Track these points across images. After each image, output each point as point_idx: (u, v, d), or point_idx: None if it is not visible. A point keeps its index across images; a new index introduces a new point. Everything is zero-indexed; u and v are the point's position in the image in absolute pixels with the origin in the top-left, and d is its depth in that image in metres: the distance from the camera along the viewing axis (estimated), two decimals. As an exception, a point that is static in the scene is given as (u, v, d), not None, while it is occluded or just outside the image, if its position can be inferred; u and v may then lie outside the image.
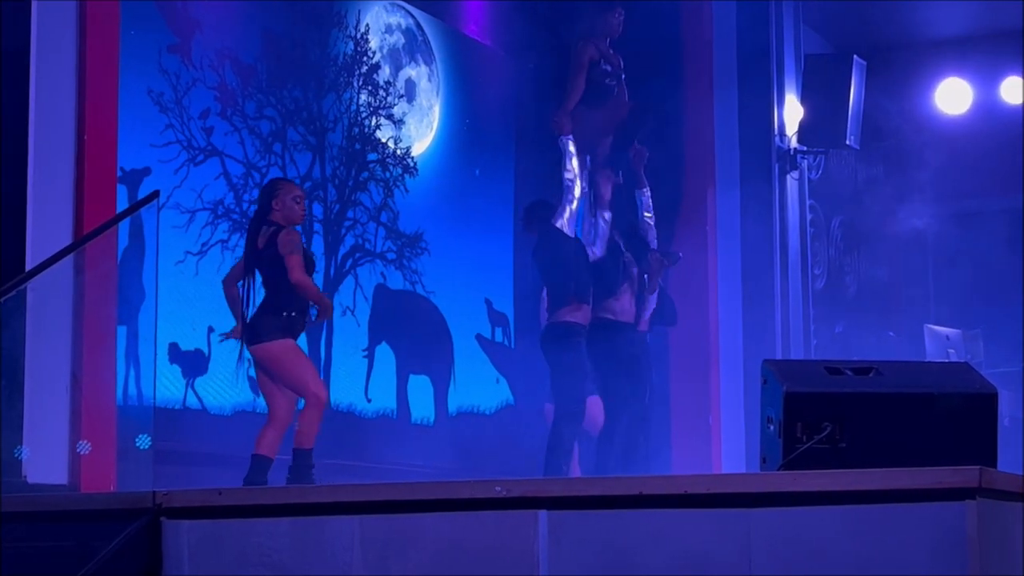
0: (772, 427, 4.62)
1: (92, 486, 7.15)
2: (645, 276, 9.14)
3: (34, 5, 7.29)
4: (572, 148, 8.78)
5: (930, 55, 13.33)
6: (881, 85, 12.69)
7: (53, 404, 7.18)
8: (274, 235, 7.46)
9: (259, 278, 7.54)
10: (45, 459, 7.07)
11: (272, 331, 7.44)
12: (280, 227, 7.48)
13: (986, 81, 13.29)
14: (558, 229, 8.63)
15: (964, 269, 13.42)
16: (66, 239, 7.28)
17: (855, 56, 12.08)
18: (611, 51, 9.27)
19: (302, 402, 7.50)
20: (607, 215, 9.11)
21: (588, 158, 9.10)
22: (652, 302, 9.21)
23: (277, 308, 7.48)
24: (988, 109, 13.26)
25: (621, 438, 8.85)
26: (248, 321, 7.50)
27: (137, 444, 7.27)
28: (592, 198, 9.15)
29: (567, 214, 8.68)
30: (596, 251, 9.00)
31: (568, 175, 8.74)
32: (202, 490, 4.91)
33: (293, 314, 7.47)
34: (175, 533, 4.82)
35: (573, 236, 8.72)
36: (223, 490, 4.85)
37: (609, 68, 9.19)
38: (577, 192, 8.73)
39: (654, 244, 9.34)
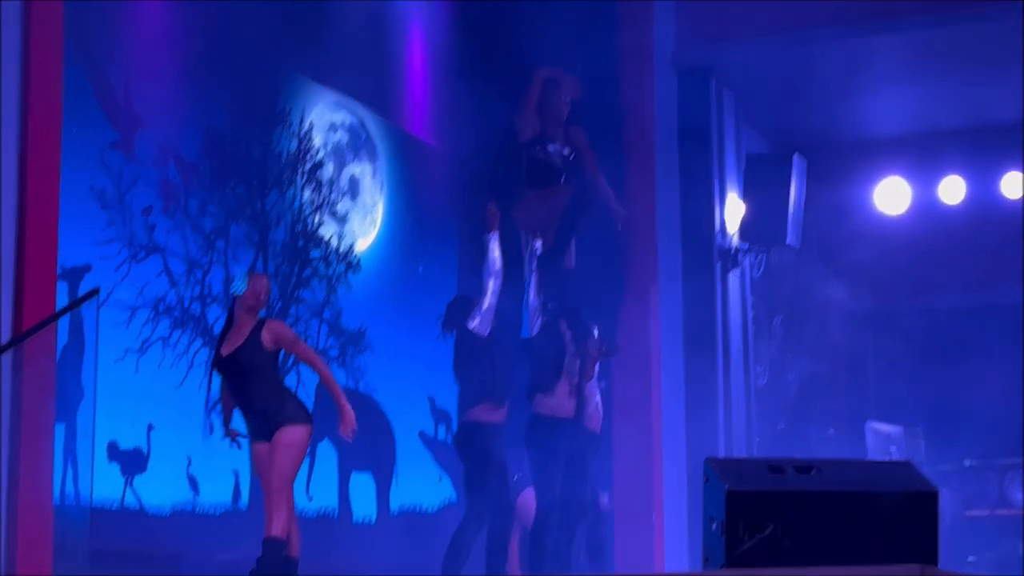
0: (715, 526, 4.61)
1: (28, 587, 7.05)
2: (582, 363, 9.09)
3: (-26, 103, 7.28)
4: (496, 248, 8.81)
5: (869, 154, 13.42)
6: (821, 184, 12.79)
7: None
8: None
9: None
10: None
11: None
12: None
13: (925, 180, 13.37)
14: (470, 331, 8.68)
15: (905, 367, 13.48)
16: (4, 336, 7.23)
17: (795, 155, 12.18)
18: (563, 130, 9.30)
19: None
20: (541, 300, 9.08)
21: (539, 242, 9.10)
22: (595, 392, 9.15)
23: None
24: (927, 208, 13.34)
25: (559, 534, 8.79)
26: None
27: None
28: (535, 282, 9.13)
29: (480, 315, 8.70)
30: (533, 330, 9.01)
31: (487, 277, 8.78)
32: (139, 591, 4.85)
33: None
34: (111, 635, 4.76)
35: (488, 336, 8.72)
36: (160, 591, 4.79)
37: (552, 148, 9.21)
38: (490, 296, 8.74)
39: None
